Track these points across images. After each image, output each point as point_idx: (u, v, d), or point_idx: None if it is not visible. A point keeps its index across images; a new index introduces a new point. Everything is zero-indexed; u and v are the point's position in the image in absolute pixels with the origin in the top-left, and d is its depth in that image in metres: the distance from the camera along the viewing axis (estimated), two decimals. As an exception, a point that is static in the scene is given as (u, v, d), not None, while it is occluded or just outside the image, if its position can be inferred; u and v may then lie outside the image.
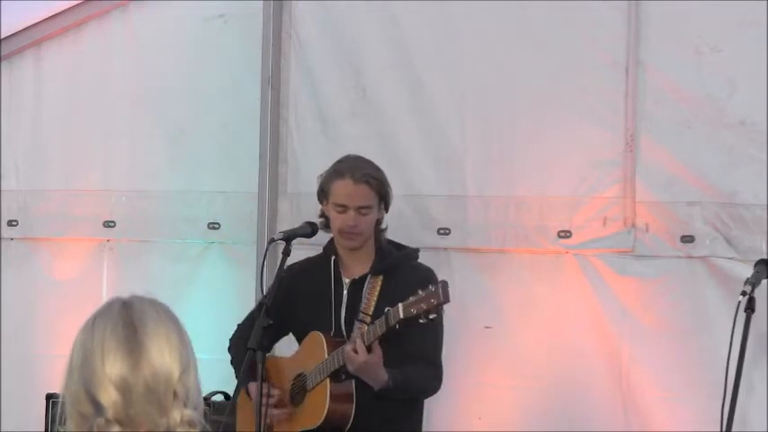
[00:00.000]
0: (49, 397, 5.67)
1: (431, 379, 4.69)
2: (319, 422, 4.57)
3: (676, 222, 5.08)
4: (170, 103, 6.07)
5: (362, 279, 4.71)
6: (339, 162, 4.80)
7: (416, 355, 4.62)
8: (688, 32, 5.06)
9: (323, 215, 4.81)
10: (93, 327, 2.17)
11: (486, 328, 5.34)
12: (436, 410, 5.14)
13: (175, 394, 2.15)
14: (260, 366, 4.39)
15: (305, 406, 4.68)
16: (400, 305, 4.37)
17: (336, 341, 4.61)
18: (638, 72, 5.13)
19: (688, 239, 5.05)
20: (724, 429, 4.07)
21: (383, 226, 4.81)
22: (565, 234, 5.25)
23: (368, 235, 4.75)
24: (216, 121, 5.97)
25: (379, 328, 4.42)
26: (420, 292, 4.36)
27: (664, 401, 5.07)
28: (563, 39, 5.28)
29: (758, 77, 4.91)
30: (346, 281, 4.75)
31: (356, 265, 4.77)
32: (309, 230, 4.79)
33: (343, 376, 4.54)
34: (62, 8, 6.19)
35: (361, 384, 4.54)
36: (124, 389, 2.12)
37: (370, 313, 4.63)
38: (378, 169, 4.77)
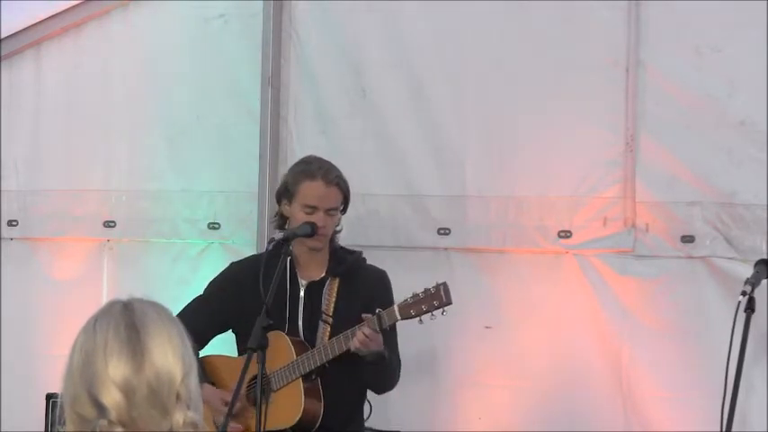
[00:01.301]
0: (49, 397, 5.67)
1: (397, 368, 4.75)
2: (293, 421, 4.60)
3: (676, 222, 5.08)
4: (170, 103, 6.07)
5: (321, 281, 4.75)
6: (306, 163, 4.82)
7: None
8: (688, 32, 5.06)
9: (280, 215, 4.81)
10: (95, 328, 2.16)
11: (486, 328, 5.34)
12: (436, 410, 5.15)
13: (178, 396, 2.15)
14: (260, 366, 4.38)
15: (274, 405, 4.66)
16: (395, 307, 4.41)
17: (300, 342, 4.66)
18: (638, 72, 5.13)
19: (688, 239, 5.05)
20: (724, 429, 4.06)
21: (339, 228, 4.84)
22: (565, 234, 5.25)
23: (330, 237, 4.79)
24: (216, 121, 5.97)
25: (377, 325, 4.49)
26: (419, 294, 4.40)
27: (664, 401, 5.06)
28: (563, 39, 5.28)
29: (758, 77, 4.91)
30: (303, 282, 4.78)
31: (312, 268, 4.80)
32: (309, 230, 4.79)
33: (314, 376, 4.61)
34: (62, 8, 6.19)
35: (326, 384, 4.62)
36: (127, 390, 2.11)
37: (331, 314, 4.70)
38: (341, 173, 4.81)
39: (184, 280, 5.90)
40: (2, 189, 6.35)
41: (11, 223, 6.34)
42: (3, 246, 6.35)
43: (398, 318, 4.44)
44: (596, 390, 5.20)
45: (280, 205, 4.84)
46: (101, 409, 2.11)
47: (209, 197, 5.97)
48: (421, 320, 4.47)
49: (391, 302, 4.65)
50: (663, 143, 5.11)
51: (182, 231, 6.02)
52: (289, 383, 4.63)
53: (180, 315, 4.80)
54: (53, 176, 6.28)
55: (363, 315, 4.54)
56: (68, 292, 6.14)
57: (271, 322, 4.49)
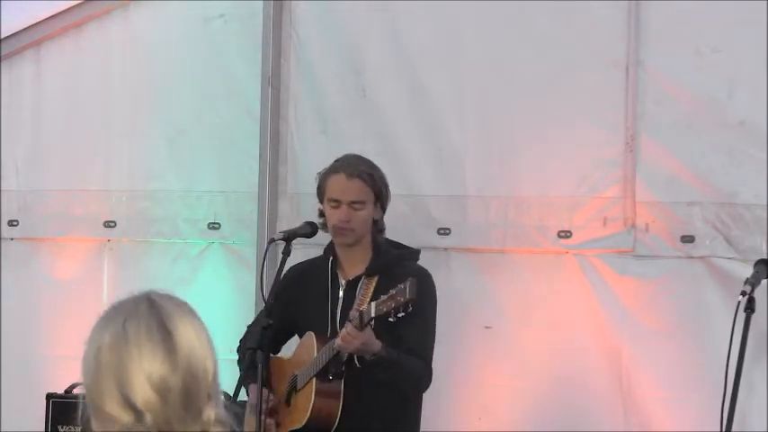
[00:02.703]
0: (49, 397, 5.67)
1: (421, 369, 4.65)
2: (304, 422, 4.56)
3: (676, 222, 5.08)
4: (170, 103, 6.08)
5: (357, 279, 4.69)
6: (337, 160, 4.80)
7: (408, 353, 4.60)
8: (688, 32, 5.06)
9: (322, 214, 4.81)
10: (126, 329, 2.13)
11: (486, 328, 5.34)
12: (436, 410, 5.14)
13: (209, 394, 2.15)
14: (260, 366, 4.38)
15: (293, 406, 4.67)
16: (372, 304, 4.36)
17: (324, 341, 4.60)
18: (638, 72, 5.13)
19: (688, 239, 5.06)
20: (724, 429, 4.06)
21: (381, 226, 4.80)
22: (565, 234, 5.25)
23: (361, 232, 4.72)
24: (216, 121, 5.97)
25: (358, 324, 4.38)
26: (391, 291, 4.32)
27: (664, 401, 5.07)
28: (563, 39, 5.28)
29: (758, 77, 4.91)
30: (343, 282, 4.74)
31: (353, 266, 4.75)
32: (309, 230, 4.79)
33: (331, 377, 4.53)
34: (62, 8, 6.20)
35: (350, 385, 4.53)
36: (163, 390, 2.10)
37: None
38: (375, 168, 4.76)
39: (185, 280, 5.90)
40: (2, 189, 6.36)
41: (11, 223, 6.35)
42: (3, 246, 6.36)
43: (373, 314, 4.33)
44: (596, 390, 5.20)
45: (321, 205, 4.81)
46: (135, 410, 2.09)
47: (209, 197, 5.97)
48: (394, 318, 4.29)
49: (422, 305, 4.47)
50: (663, 143, 5.11)
51: (182, 231, 6.02)
52: (306, 384, 4.61)
53: (251, 325, 4.90)
54: (53, 176, 6.29)
55: (350, 312, 4.51)
56: (69, 292, 6.14)
57: (271, 322, 4.49)
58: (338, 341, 4.42)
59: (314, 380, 4.54)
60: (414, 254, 4.82)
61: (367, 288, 4.65)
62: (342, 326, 4.58)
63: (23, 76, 6.37)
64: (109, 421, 2.11)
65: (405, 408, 4.72)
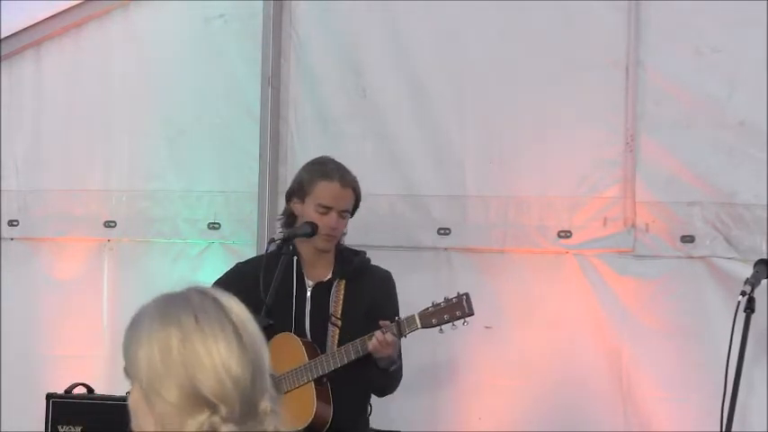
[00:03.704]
0: (49, 397, 5.66)
1: (401, 373, 4.74)
2: (304, 425, 4.57)
3: (676, 222, 5.08)
4: (170, 103, 6.07)
5: (329, 283, 4.73)
6: (321, 164, 4.80)
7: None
8: (688, 32, 5.06)
9: (289, 213, 4.80)
10: (200, 324, 2.12)
11: (486, 328, 5.34)
12: (436, 410, 5.15)
13: (264, 386, 2.16)
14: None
15: (284, 408, 4.65)
16: (416, 315, 4.46)
17: (310, 344, 4.64)
18: (638, 72, 5.14)
19: (688, 239, 5.06)
20: (724, 429, 4.07)
21: (345, 231, 4.84)
22: (565, 234, 5.25)
23: (338, 239, 4.79)
24: (216, 121, 5.97)
25: (397, 333, 4.48)
26: (440, 303, 4.45)
27: (664, 401, 5.07)
28: (563, 39, 5.29)
29: (758, 77, 4.91)
30: (310, 283, 4.76)
31: (319, 268, 4.78)
32: (309, 230, 4.78)
33: (325, 380, 4.58)
34: (62, 8, 6.19)
35: (335, 387, 4.60)
36: (237, 382, 2.10)
37: (339, 316, 4.67)
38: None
39: (185, 280, 5.86)
40: (2, 189, 6.35)
41: (11, 223, 6.35)
42: (3, 246, 6.35)
43: (419, 326, 4.46)
44: (596, 390, 5.20)
45: (289, 203, 4.80)
46: (209, 404, 2.09)
47: (209, 197, 5.97)
48: (441, 330, 4.47)
49: (395, 304, 4.68)
50: (663, 143, 5.11)
51: (182, 231, 6.02)
52: (299, 386, 4.62)
53: None
54: (53, 176, 6.28)
55: (381, 322, 4.51)
56: (69, 292, 6.14)
57: (271, 322, 4.49)
58: (374, 343, 4.46)
59: (312, 384, 4.56)
60: (366, 257, 4.86)
61: (338, 291, 4.71)
62: (312, 327, 4.67)
63: (23, 76, 6.37)
64: (178, 417, 2.09)
65: (365, 405, 4.82)
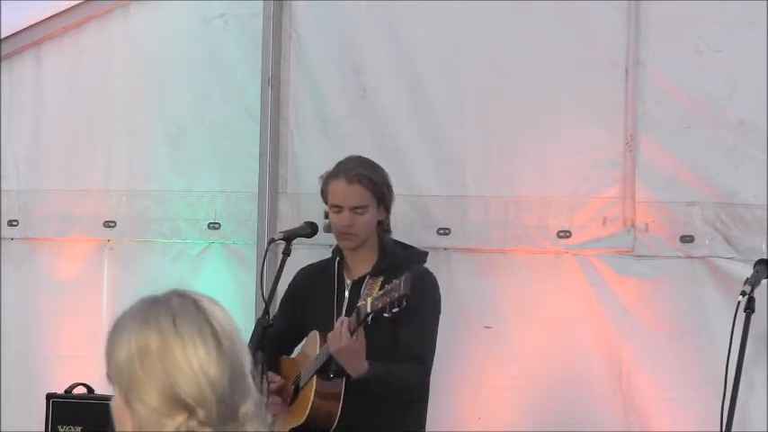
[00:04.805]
0: (50, 397, 5.67)
1: (413, 376, 4.63)
2: (302, 420, 4.55)
3: (676, 222, 5.08)
4: (170, 102, 6.07)
5: (362, 279, 4.69)
6: (339, 162, 4.80)
7: (404, 353, 4.59)
8: (688, 32, 5.06)
9: (327, 216, 4.82)
10: (177, 327, 2.13)
11: (487, 328, 5.34)
12: (436, 410, 5.14)
13: (244, 389, 2.16)
14: (260, 366, 4.38)
15: (294, 404, 4.68)
16: (368, 299, 4.35)
17: (326, 339, 4.56)
18: (638, 72, 5.13)
19: (688, 239, 5.06)
20: (724, 429, 4.07)
21: (387, 227, 4.79)
22: (565, 234, 5.25)
23: (365, 236, 4.72)
24: (216, 121, 5.97)
25: (355, 320, 4.37)
26: (386, 286, 4.33)
27: (664, 401, 5.07)
28: (563, 39, 5.28)
29: (758, 77, 4.91)
30: (348, 282, 4.74)
31: (359, 266, 4.76)
32: (309, 230, 4.79)
33: (332, 375, 4.51)
34: (62, 8, 6.19)
35: (350, 384, 4.51)
36: (214, 385, 2.10)
37: None
38: (375, 169, 4.75)
39: (185, 280, 5.89)
40: (2, 189, 6.35)
41: (11, 223, 6.35)
42: (3, 246, 6.35)
43: (369, 309, 4.31)
44: (596, 390, 5.20)
45: (326, 207, 4.82)
46: (187, 407, 2.09)
47: (209, 197, 5.97)
48: (389, 313, 4.28)
49: (422, 305, 4.53)
50: (663, 143, 5.11)
51: (182, 231, 6.02)
52: (307, 382, 4.61)
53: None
54: (53, 176, 6.28)
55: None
56: (69, 292, 6.14)
57: (271, 323, 4.50)
58: (328, 337, 4.41)
59: (314, 378, 4.54)
60: (421, 256, 4.82)
61: (371, 287, 4.64)
62: None
63: (23, 76, 6.37)
64: (157, 420, 2.10)
65: (406, 408, 4.70)
